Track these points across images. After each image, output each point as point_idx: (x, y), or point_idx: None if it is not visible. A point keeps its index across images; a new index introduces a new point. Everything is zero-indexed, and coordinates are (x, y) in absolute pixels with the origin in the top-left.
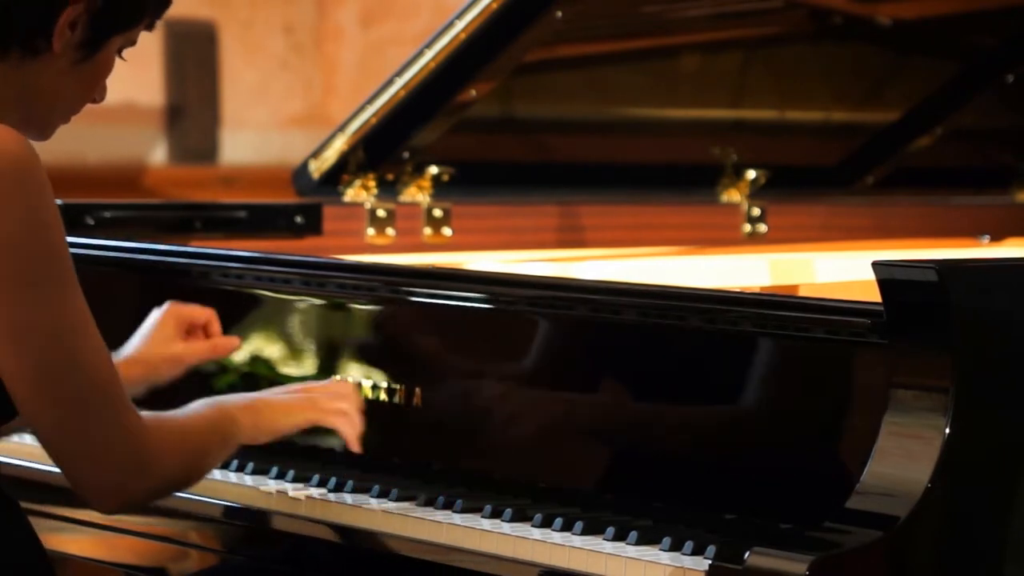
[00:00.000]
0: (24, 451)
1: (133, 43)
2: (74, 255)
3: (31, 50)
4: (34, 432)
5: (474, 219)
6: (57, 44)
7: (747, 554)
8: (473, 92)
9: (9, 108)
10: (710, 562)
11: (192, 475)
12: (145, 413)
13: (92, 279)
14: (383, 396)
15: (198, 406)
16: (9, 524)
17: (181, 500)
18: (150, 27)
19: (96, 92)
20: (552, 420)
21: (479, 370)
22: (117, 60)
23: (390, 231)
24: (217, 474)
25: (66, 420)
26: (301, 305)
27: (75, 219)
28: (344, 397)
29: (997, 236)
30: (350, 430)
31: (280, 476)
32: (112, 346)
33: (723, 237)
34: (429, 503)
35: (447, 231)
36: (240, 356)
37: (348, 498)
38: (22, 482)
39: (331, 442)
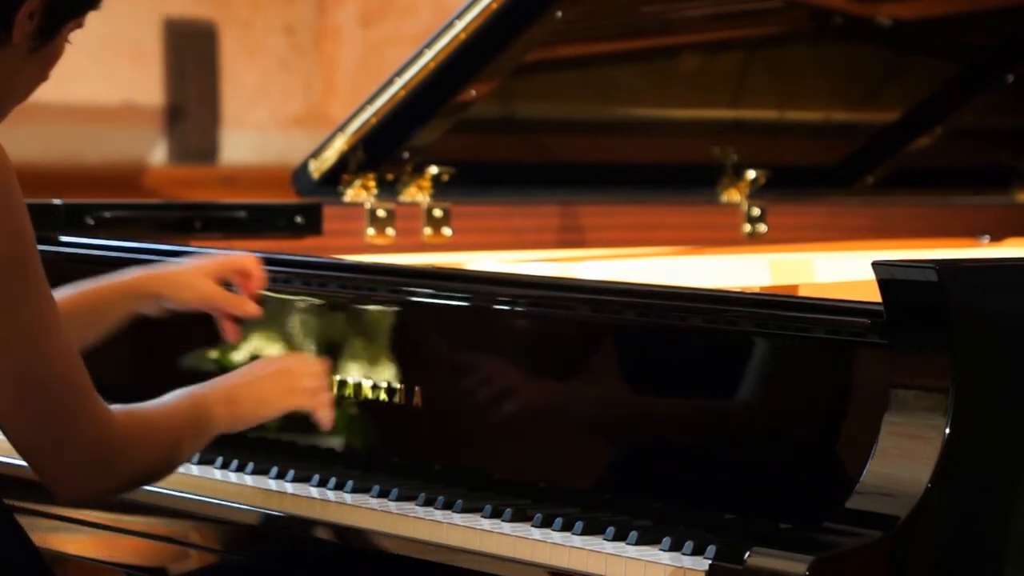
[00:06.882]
0: None
1: (81, 26)
2: (74, 255)
3: None
4: None
5: (474, 219)
6: (17, 35)
7: (747, 554)
8: (473, 92)
9: None
10: (710, 562)
11: (163, 467)
12: (116, 406)
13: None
14: (383, 396)
15: (174, 396)
16: None
17: (181, 500)
18: (95, 4)
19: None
20: (552, 420)
21: (479, 370)
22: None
23: (390, 231)
24: (217, 474)
25: (35, 416)
26: (301, 305)
27: (75, 219)
28: (315, 376)
29: (997, 236)
30: (323, 412)
31: (280, 476)
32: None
33: (723, 237)
34: (429, 503)
35: (447, 231)
36: (240, 356)
37: (348, 498)
38: (22, 482)
39: (331, 442)
